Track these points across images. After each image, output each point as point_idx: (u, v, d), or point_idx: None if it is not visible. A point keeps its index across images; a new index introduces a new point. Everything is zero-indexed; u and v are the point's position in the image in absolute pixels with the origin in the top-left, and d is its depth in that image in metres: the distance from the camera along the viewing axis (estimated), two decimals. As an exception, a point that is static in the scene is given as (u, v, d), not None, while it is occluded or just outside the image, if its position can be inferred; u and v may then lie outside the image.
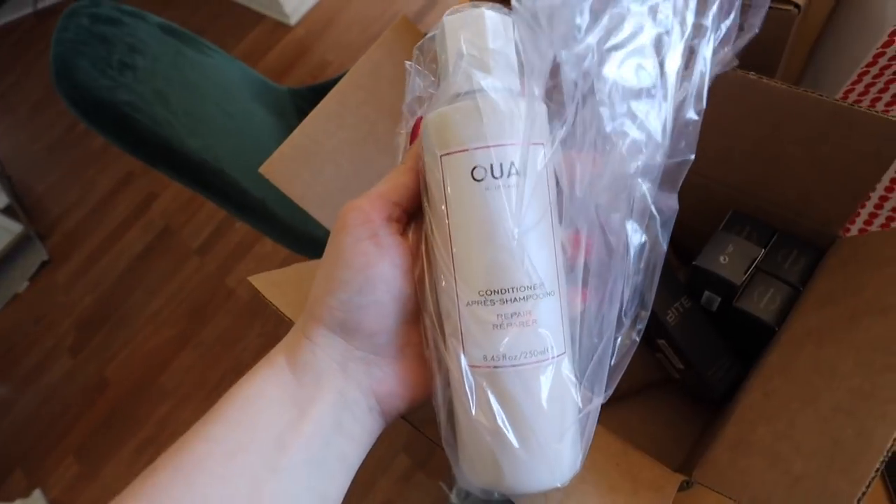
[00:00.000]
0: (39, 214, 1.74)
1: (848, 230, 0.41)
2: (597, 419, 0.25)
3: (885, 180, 0.43)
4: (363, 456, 0.26)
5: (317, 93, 0.43)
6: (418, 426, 0.29)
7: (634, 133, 0.24)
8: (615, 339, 0.24)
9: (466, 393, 0.23)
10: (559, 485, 0.24)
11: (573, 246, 0.24)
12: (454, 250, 0.23)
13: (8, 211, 1.71)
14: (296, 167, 0.43)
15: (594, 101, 0.24)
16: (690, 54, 0.25)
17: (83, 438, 1.35)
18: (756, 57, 0.38)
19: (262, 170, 0.42)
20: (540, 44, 0.23)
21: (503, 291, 0.22)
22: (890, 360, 0.27)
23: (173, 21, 0.82)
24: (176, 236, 1.55)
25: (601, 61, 0.24)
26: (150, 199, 1.64)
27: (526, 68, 0.24)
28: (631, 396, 0.51)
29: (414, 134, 0.27)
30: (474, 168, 0.23)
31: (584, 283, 0.24)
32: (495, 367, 0.23)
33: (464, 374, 0.23)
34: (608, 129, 0.24)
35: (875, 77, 0.40)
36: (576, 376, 0.24)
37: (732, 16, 0.26)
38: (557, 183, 0.24)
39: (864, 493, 0.23)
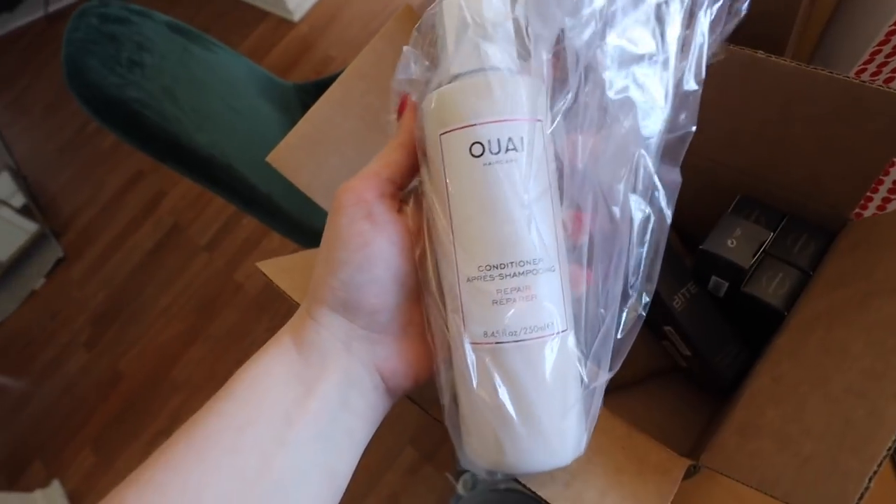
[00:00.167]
0: (54, 213, 1.76)
1: (861, 215, 0.41)
2: (602, 397, 0.25)
3: (900, 162, 0.42)
4: (370, 432, 0.26)
5: (321, 88, 0.43)
6: (426, 408, 0.29)
7: (637, 96, 0.24)
8: (621, 313, 0.24)
9: (468, 370, 0.23)
10: (562, 465, 0.24)
11: (575, 222, 0.24)
12: (454, 226, 0.23)
13: (24, 210, 1.74)
14: (302, 156, 0.43)
15: (597, 69, 0.24)
16: (689, 23, 0.25)
17: (99, 430, 1.38)
18: (765, 35, 0.38)
19: (270, 159, 0.42)
20: (547, 13, 0.23)
21: (502, 266, 0.23)
22: (901, 339, 0.27)
23: (180, 19, 0.82)
24: (185, 233, 1.56)
25: (604, 28, 0.24)
26: (159, 196, 1.65)
27: (532, 38, 0.24)
28: (637, 385, 0.51)
29: (401, 110, 0.27)
30: (472, 144, 0.23)
31: (589, 260, 0.24)
32: (496, 342, 0.23)
33: (465, 351, 0.23)
34: (611, 97, 0.24)
35: (888, 56, 0.39)
36: (582, 352, 0.24)
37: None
38: (558, 159, 0.24)
39: (875, 472, 0.23)
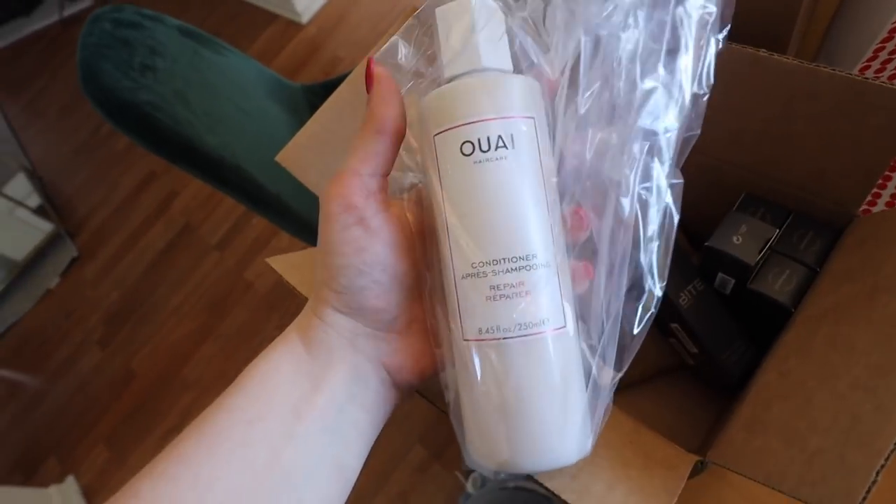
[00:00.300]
0: (69, 213, 1.79)
1: (869, 211, 0.41)
2: (610, 396, 0.25)
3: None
4: (378, 426, 0.27)
5: (329, 89, 0.43)
6: (435, 401, 0.30)
7: (650, 93, 0.24)
8: (635, 309, 0.24)
9: (465, 367, 0.23)
10: (565, 464, 0.23)
11: (579, 218, 0.24)
12: (448, 225, 0.24)
13: (40, 211, 1.77)
14: (310, 156, 0.43)
15: (611, 64, 0.24)
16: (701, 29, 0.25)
17: (112, 427, 1.40)
18: (766, 34, 0.38)
19: (279, 158, 0.43)
20: (568, 9, 0.24)
21: (495, 262, 0.23)
22: (909, 334, 0.27)
23: (191, 23, 0.83)
24: (196, 233, 1.58)
25: (622, 24, 0.24)
26: (171, 197, 1.67)
27: (549, 32, 0.24)
28: (644, 383, 0.51)
29: (369, 81, 0.26)
30: (463, 143, 0.23)
31: (591, 256, 0.24)
32: (491, 339, 0.23)
33: (462, 349, 0.24)
34: (623, 92, 0.24)
35: (892, 53, 0.39)
36: (591, 349, 0.24)
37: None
38: (562, 154, 0.24)
39: (882, 467, 0.23)
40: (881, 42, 0.38)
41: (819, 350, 0.31)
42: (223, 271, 1.49)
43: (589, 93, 0.24)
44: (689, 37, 0.25)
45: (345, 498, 0.25)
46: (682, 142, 0.25)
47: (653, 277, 0.24)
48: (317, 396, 0.24)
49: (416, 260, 0.26)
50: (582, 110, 0.24)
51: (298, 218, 0.81)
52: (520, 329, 0.22)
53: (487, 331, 0.23)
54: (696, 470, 0.31)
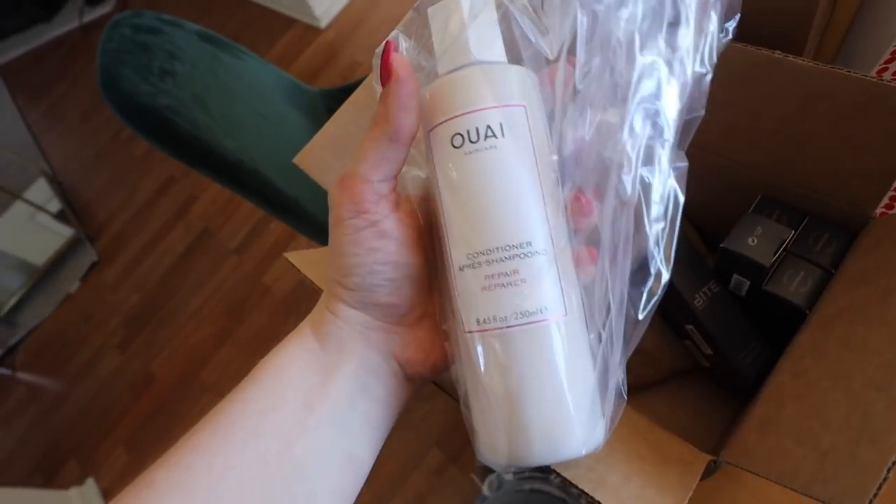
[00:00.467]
0: (88, 218, 1.82)
1: (885, 214, 0.41)
2: (620, 383, 0.24)
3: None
4: (391, 418, 0.27)
5: (347, 93, 0.44)
6: (456, 398, 0.30)
7: (654, 74, 0.23)
8: (639, 293, 0.23)
9: (468, 359, 0.23)
10: (574, 455, 0.23)
11: (579, 203, 0.24)
12: (445, 218, 0.24)
13: (60, 216, 1.80)
14: (328, 158, 0.44)
15: (612, 45, 0.24)
16: (703, 6, 0.25)
17: (132, 430, 1.42)
18: (783, 35, 0.38)
19: (297, 160, 0.43)
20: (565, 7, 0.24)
21: (489, 252, 0.23)
22: (923, 334, 0.27)
23: (210, 28, 0.84)
24: (215, 237, 1.60)
25: (620, 5, 0.24)
26: (189, 201, 1.69)
27: (547, 14, 0.24)
28: (659, 385, 0.51)
29: (385, 70, 0.24)
30: (453, 136, 0.23)
31: (594, 242, 0.24)
32: (490, 329, 0.23)
33: (463, 340, 0.24)
34: (625, 73, 0.23)
35: (909, 54, 0.39)
36: (598, 337, 0.24)
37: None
38: (562, 139, 0.24)
39: (894, 464, 0.23)
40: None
41: (833, 350, 0.31)
42: (241, 275, 1.51)
43: (587, 70, 0.24)
44: (689, 11, 0.24)
45: (357, 490, 0.26)
46: (686, 124, 0.25)
47: (658, 260, 0.24)
48: (329, 388, 0.25)
49: (428, 254, 0.26)
50: (581, 86, 0.24)
51: (316, 221, 0.82)
52: (518, 318, 0.22)
53: (486, 321, 0.23)
54: (710, 470, 0.31)
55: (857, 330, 0.31)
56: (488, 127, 0.23)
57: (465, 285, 0.23)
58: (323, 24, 1.80)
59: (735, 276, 0.43)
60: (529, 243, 0.22)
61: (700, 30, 0.25)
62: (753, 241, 0.40)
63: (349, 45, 1.74)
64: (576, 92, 0.24)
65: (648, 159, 0.24)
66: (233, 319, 1.45)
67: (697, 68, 0.25)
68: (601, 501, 0.27)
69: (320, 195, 0.45)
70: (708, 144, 0.41)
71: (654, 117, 0.24)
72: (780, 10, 0.38)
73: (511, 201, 0.23)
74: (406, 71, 0.23)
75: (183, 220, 1.67)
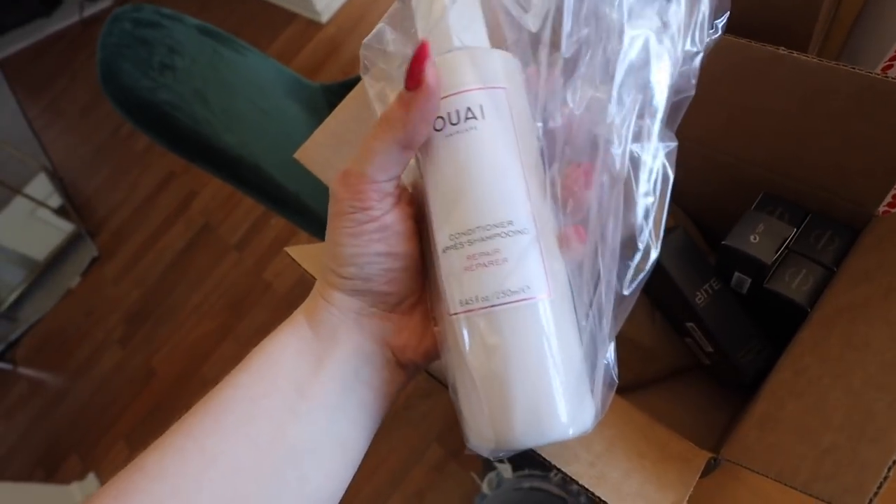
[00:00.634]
0: (89, 213, 1.82)
1: (888, 212, 0.40)
2: (611, 366, 0.24)
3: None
4: (384, 406, 0.27)
5: (348, 88, 0.44)
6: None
7: (643, 50, 0.23)
8: (626, 268, 0.23)
9: (455, 343, 0.23)
10: (560, 438, 0.22)
11: (567, 181, 0.24)
12: (429, 201, 0.24)
13: (61, 211, 1.80)
14: (329, 153, 0.44)
15: (603, 20, 0.23)
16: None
17: (132, 425, 1.42)
18: (787, 32, 0.38)
19: (297, 156, 0.43)
20: None
21: (470, 232, 0.23)
22: (924, 332, 0.27)
23: (211, 22, 0.84)
24: (215, 233, 1.60)
25: None
26: (190, 197, 1.69)
27: (533, 4, 0.24)
28: (660, 382, 0.51)
29: (416, 74, 0.22)
30: (434, 120, 0.23)
31: (581, 221, 0.23)
32: (473, 310, 0.22)
33: (449, 323, 0.23)
34: (616, 49, 0.23)
35: (913, 51, 0.39)
36: (584, 318, 0.23)
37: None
38: (551, 116, 0.24)
39: (894, 462, 0.23)
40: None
41: (834, 348, 0.31)
42: (242, 271, 1.50)
43: (575, 41, 0.24)
44: None
45: (349, 476, 0.26)
46: (676, 104, 0.24)
47: (647, 233, 0.23)
48: (321, 375, 0.25)
49: (423, 242, 0.26)
50: (567, 54, 0.24)
51: (317, 217, 0.82)
52: (500, 297, 0.22)
53: (468, 301, 0.23)
54: (709, 468, 0.31)
55: (859, 328, 0.31)
56: (468, 109, 0.23)
57: (449, 266, 0.23)
58: (324, 18, 1.79)
59: (736, 274, 0.43)
60: (511, 222, 0.22)
61: (692, 8, 0.24)
62: (755, 238, 0.40)
63: (350, 40, 1.74)
64: (564, 68, 0.24)
65: (638, 136, 0.23)
66: (233, 315, 1.45)
67: (688, 46, 0.24)
68: (601, 497, 0.27)
69: (321, 191, 0.45)
70: (710, 141, 0.41)
71: (643, 90, 0.23)
72: (785, 6, 0.38)
73: (491, 181, 0.23)
74: (437, 83, 0.22)
75: (183, 216, 1.67)
